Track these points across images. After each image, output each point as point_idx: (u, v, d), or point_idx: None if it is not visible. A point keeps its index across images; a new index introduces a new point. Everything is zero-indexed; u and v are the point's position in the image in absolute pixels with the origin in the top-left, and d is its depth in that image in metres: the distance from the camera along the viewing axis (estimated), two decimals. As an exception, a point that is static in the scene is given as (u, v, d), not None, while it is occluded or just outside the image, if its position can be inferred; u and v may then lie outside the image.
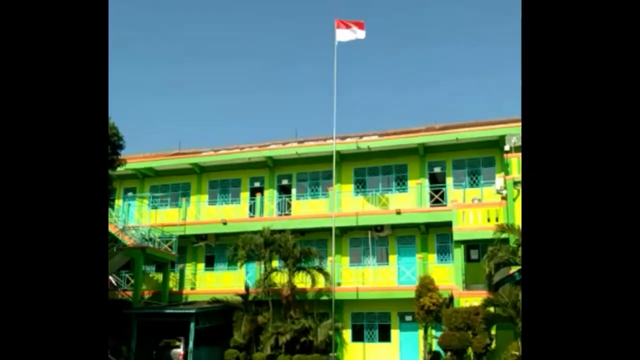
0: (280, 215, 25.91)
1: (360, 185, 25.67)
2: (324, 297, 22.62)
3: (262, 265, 23.17)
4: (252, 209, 26.67)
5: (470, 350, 18.03)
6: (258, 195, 26.44)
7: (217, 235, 26.37)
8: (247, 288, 23.06)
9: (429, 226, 23.22)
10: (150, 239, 24.13)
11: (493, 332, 18.23)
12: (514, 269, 17.81)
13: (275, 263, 23.69)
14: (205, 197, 27.99)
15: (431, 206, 23.50)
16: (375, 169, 25.51)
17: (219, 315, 22.88)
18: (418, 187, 23.96)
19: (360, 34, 23.64)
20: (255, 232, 22.86)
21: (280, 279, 22.73)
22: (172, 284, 26.07)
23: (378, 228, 23.77)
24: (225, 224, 25.41)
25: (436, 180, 24.69)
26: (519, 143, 20.68)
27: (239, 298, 22.67)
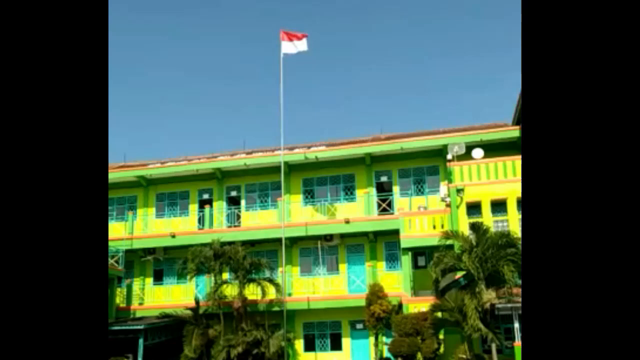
0: (230, 226, 25.81)
1: (309, 195, 25.90)
2: (276, 308, 22.65)
3: (212, 278, 23.00)
4: (201, 221, 26.43)
5: (419, 355, 18.45)
6: (207, 207, 26.24)
7: (166, 249, 26.00)
8: (197, 301, 22.80)
9: (377, 234, 23.66)
10: (96, 255, 23.46)
11: (441, 336, 18.74)
12: (459, 274, 18.41)
13: (226, 275, 23.56)
14: (152, 210, 27.54)
15: (379, 215, 23.96)
16: (323, 179, 25.81)
17: (168, 330, 22.54)
18: (366, 196, 24.39)
19: (303, 46, 23.91)
20: (204, 245, 22.68)
21: (230, 291, 22.61)
22: (119, 300, 25.49)
23: (327, 237, 24.04)
24: (173, 237, 25.08)
25: (383, 189, 25.20)
26: (461, 152, 21.44)
27: (189, 312, 22.39)
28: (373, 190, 24.96)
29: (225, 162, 26.51)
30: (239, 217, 26.34)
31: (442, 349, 18.55)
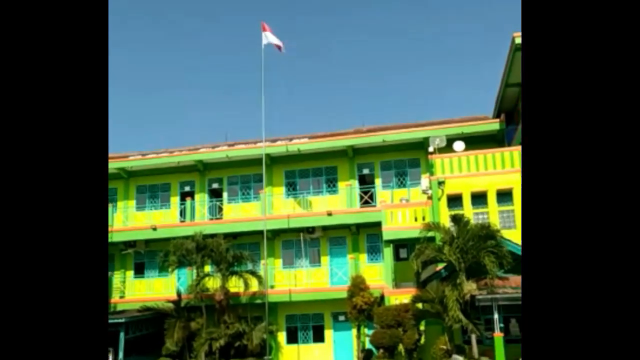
0: (212, 219, 25.70)
1: (291, 187, 25.88)
2: (258, 301, 22.66)
3: (194, 271, 22.90)
4: (182, 213, 26.27)
5: (400, 347, 18.61)
6: (188, 200, 26.09)
7: (147, 242, 25.80)
8: (179, 294, 22.72)
9: (359, 227, 23.74)
10: (76, 248, 23.23)
11: (422, 327, 18.91)
12: (440, 266, 18.56)
13: (208, 268, 23.48)
14: (132, 203, 27.31)
15: (361, 207, 24.04)
16: (305, 171, 25.79)
17: (150, 324, 22.42)
18: (348, 189, 24.44)
19: (280, 46, 23.82)
20: (186, 237, 22.55)
21: (213, 283, 22.54)
22: (100, 293, 25.23)
23: (310, 230, 24.06)
24: (155, 229, 24.90)
25: (365, 182, 25.28)
26: (442, 144, 21.56)
27: (170, 305, 22.30)
28: (355, 183, 25.02)
29: (207, 154, 26.35)
30: (221, 209, 26.23)
31: (423, 340, 18.73)
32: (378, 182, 24.86)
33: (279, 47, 23.76)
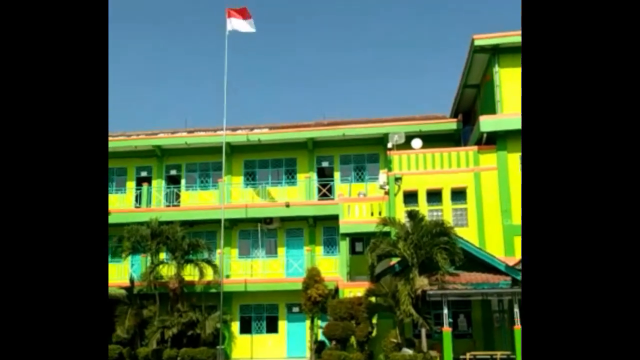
0: (169, 206, 25.43)
1: (250, 177, 25.84)
2: (213, 290, 22.62)
3: (149, 258, 22.65)
4: (138, 199, 25.89)
5: (353, 339, 18.95)
6: (145, 185, 25.72)
7: (100, 227, 25.31)
8: (132, 281, 22.45)
9: (316, 219, 23.93)
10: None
11: (374, 321, 19.28)
12: (394, 261, 18.94)
13: (163, 255, 23.27)
14: (87, 187, 26.70)
15: (319, 200, 24.23)
16: (265, 161, 25.79)
17: (101, 310, 22.08)
18: (307, 181, 24.58)
19: (250, 26, 23.64)
20: (141, 223, 22.28)
21: (167, 271, 22.37)
22: (50, 278, 24.69)
23: (267, 220, 24.12)
24: (109, 214, 24.45)
25: (324, 175, 25.47)
26: (401, 141, 21.91)
27: (123, 291, 21.99)
28: (314, 175, 25.18)
29: (166, 139, 26.02)
30: (178, 196, 25.97)
31: (374, 333, 19.11)
32: (337, 175, 25.09)
33: (247, 22, 23.47)
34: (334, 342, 19.02)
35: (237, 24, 23.60)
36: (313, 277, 20.51)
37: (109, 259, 25.20)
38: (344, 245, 21.74)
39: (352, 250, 23.17)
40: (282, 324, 23.48)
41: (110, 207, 25.00)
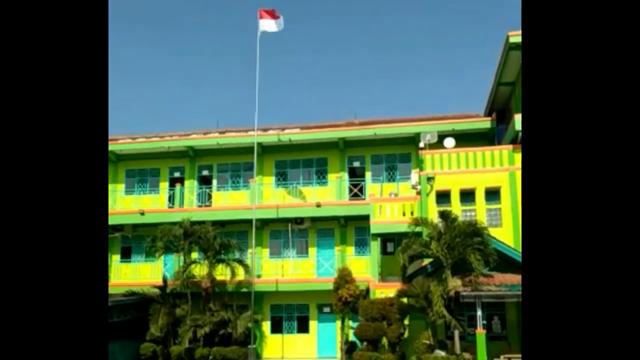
0: (201, 206, 25.66)
1: (281, 177, 25.88)
2: (244, 289, 22.71)
3: (181, 257, 22.88)
4: (171, 199, 26.21)
5: (384, 340, 18.76)
6: (178, 186, 26.01)
7: (134, 226, 25.73)
8: (165, 280, 22.70)
9: (347, 219, 23.81)
10: (62, 230, 23.11)
11: (406, 322, 19.05)
12: (426, 261, 18.69)
13: (195, 255, 23.47)
14: (121, 187, 27.19)
15: (350, 200, 24.10)
16: (296, 161, 25.79)
17: (134, 308, 22.39)
18: (338, 181, 24.48)
19: (280, 25, 23.70)
20: (174, 223, 22.52)
21: (199, 271, 22.55)
22: (85, 277, 25.17)
23: (298, 220, 24.10)
24: (142, 214, 24.83)
25: (355, 174, 25.32)
26: (433, 140, 21.64)
27: (156, 290, 22.28)
28: (345, 175, 25.06)
29: (198, 140, 26.26)
30: (210, 196, 26.19)
31: (406, 334, 18.89)
32: (368, 175, 24.92)
33: (277, 21, 23.62)
34: (365, 343, 18.88)
35: (268, 25, 23.70)
36: (344, 278, 20.41)
37: (143, 259, 25.62)
38: (375, 245, 21.56)
39: (384, 251, 22.96)
40: (313, 324, 23.43)
41: (144, 207, 25.42)
